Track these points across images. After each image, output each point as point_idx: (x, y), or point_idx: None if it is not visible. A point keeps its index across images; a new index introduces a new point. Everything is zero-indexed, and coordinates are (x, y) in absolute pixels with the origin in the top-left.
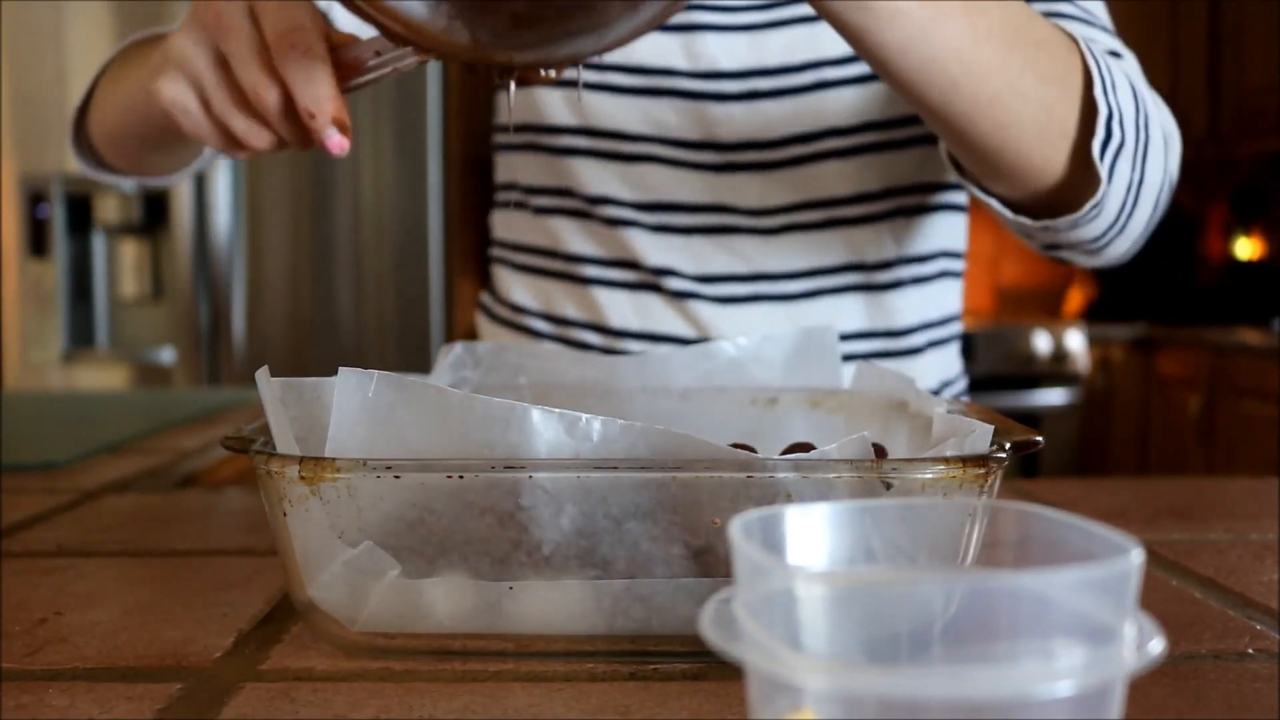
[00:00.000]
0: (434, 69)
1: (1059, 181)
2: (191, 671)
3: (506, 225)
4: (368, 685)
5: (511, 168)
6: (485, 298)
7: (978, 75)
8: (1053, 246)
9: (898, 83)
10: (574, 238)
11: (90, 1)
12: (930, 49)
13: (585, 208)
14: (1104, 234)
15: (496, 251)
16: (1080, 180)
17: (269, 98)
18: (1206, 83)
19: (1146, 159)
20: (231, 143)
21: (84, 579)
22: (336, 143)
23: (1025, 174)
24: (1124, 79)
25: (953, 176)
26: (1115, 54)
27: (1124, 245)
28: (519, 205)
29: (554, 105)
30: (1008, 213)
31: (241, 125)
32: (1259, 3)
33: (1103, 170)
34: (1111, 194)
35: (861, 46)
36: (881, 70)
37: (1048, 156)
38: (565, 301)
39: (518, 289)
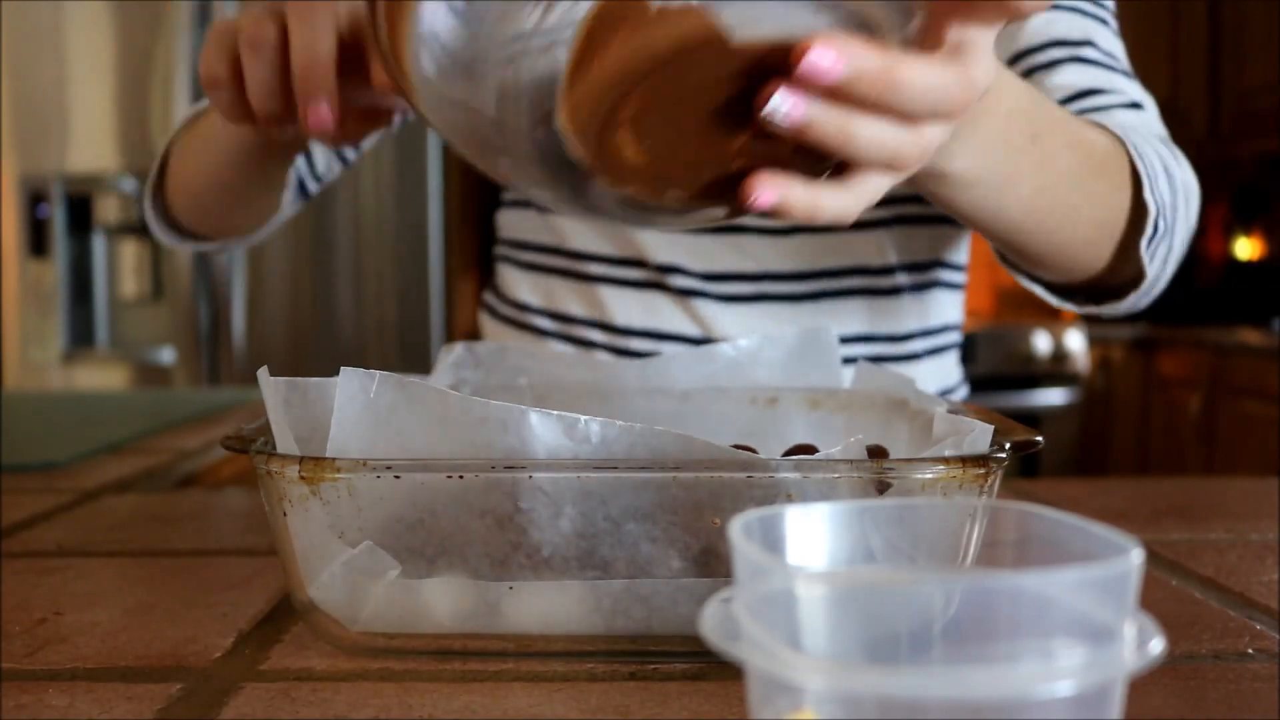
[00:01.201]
0: None
1: (1100, 271)
2: (191, 671)
3: (511, 224)
4: (368, 685)
5: None
6: (489, 296)
7: (1040, 219)
8: (1088, 314)
9: (965, 222)
10: (580, 235)
11: (90, 1)
12: (1000, 208)
13: None
14: (1135, 302)
15: (501, 250)
16: (1123, 263)
17: (268, 33)
18: (1206, 83)
19: (1179, 233)
20: (257, 110)
21: (84, 579)
22: (322, 115)
23: (1071, 272)
24: (1159, 163)
25: (998, 261)
26: (1137, 105)
27: (1149, 299)
28: (530, 204)
29: None
30: (1053, 299)
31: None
32: (1259, 3)
33: (1148, 265)
34: (1151, 274)
35: (933, 199)
36: (947, 211)
37: (1096, 256)
38: (570, 299)
39: (522, 287)
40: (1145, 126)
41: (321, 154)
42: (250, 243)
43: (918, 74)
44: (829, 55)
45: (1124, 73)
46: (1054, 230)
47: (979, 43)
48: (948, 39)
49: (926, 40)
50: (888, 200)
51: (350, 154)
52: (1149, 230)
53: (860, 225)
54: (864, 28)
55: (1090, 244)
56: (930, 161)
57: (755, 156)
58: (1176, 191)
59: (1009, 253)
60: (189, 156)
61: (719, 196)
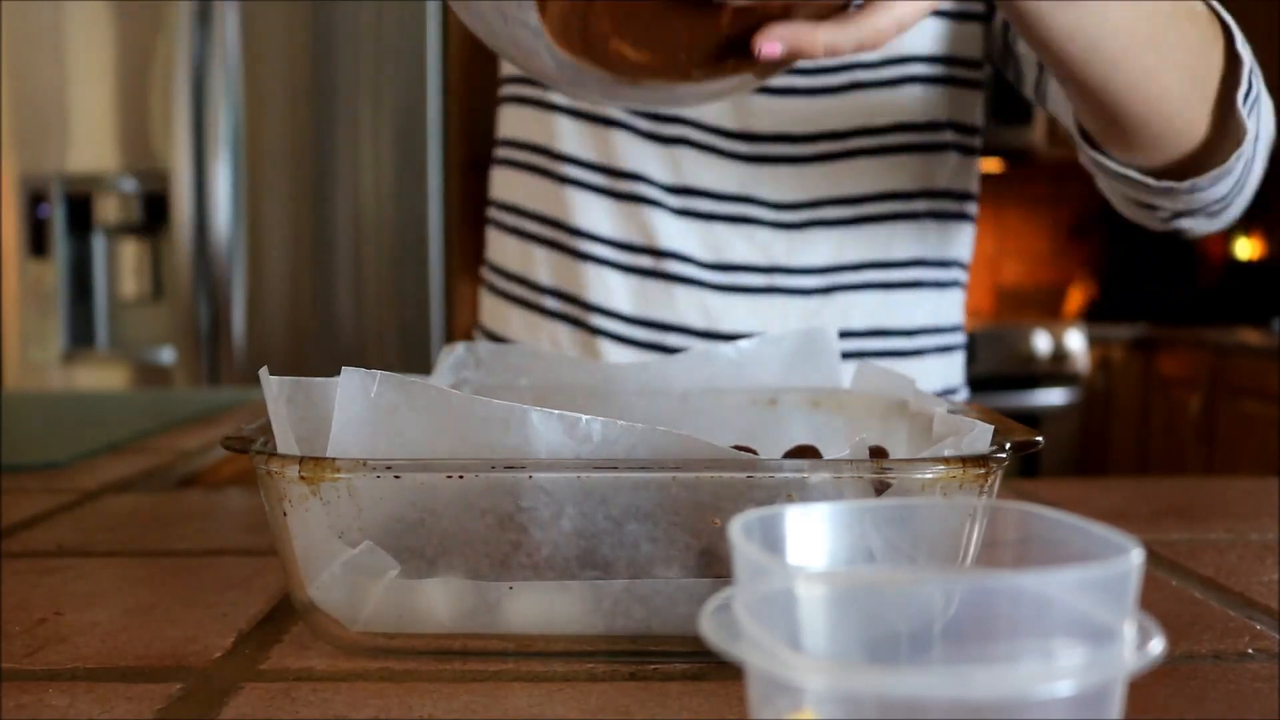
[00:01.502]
0: (433, 70)
1: (1197, 141)
2: (191, 671)
3: (515, 186)
4: (368, 685)
5: (543, 132)
6: (488, 273)
7: (1136, 53)
8: (1179, 214)
9: (1060, 65)
10: (593, 213)
11: (90, 1)
12: (1097, 31)
13: (612, 184)
14: (1230, 190)
15: (500, 215)
16: (1215, 136)
17: None
18: None
19: (1263, 112)
20: None
21: (84, 579)
22: None
23: (1167, 141)
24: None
25: (1083, 155)
26: None
27: (1241, 203)
28: (543, 172)
29: None
30: (1150, 180)
31: None
32: (1259, 3)
33: (1248, 122)
34: (1246, 142)
35: (1030, 33)
36: (1044, 54)
37: (1191, 120)
38: (575, 281)
39: (525, 261)
40: None
41: None
42: None
43: None
44: None
45: None
46: (1150, 73)
47: None
48: None
49: None
50: (911, 195)
51: None
52: (1244, 85)
53: (881, 218)
54: None
55: (1185, 99)
56: None
57: (752, 15)
58: (1258, 80)
59: (1104, 117)
60: None
61: (736, 62)
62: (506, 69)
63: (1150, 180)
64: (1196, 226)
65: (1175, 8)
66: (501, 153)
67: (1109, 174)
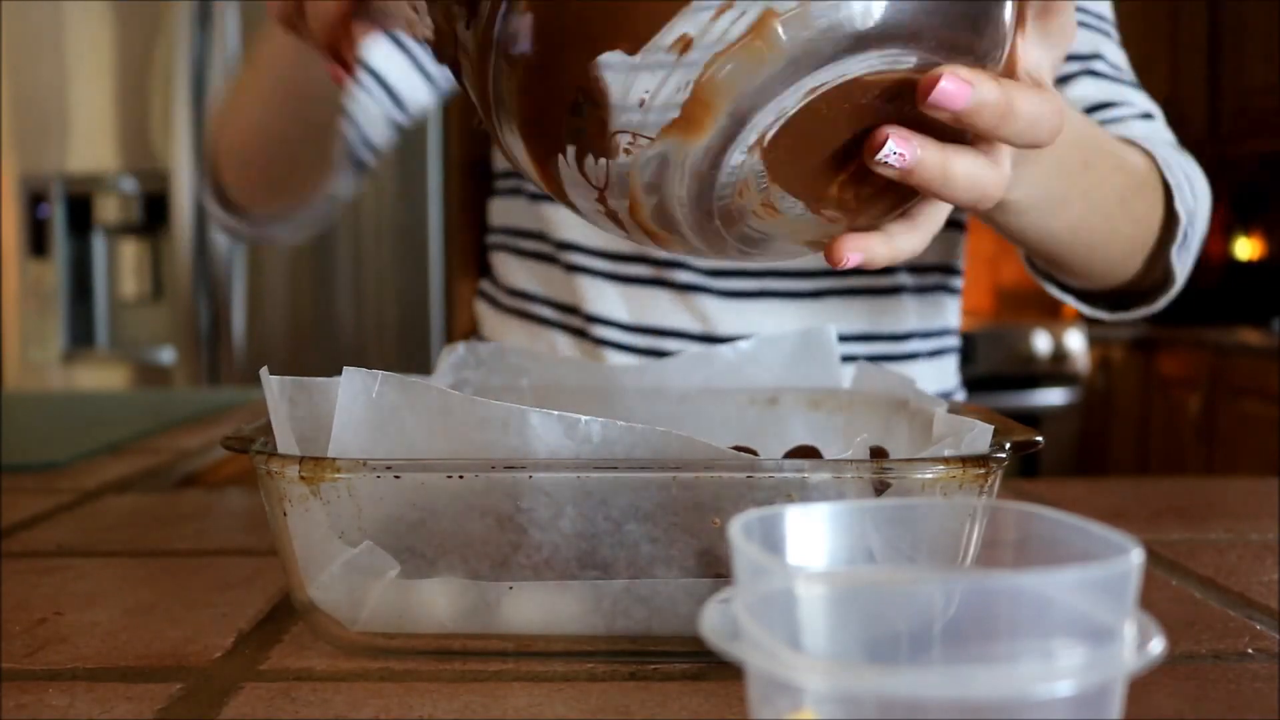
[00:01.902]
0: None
1: (1133, 277)
2: (191, 671)
3: (509, 213)
4: (368, 685)
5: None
6: (487, 286)
7: (1085, 238)
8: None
9: (1010, 240)
10: (583, 229)
11: (90, 1)
12: (1051, 231)
13: None
14: (1162, 304)
15: (497, 239)
16: (1152, 269)
17: None
18: (1206, 83)
19: (1198, 235)
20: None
21: (84, 579)
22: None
23: (1104, 281)
24: (1182, 173)
25: (1031, 274)
26: (1149, 115)
27: (1167, 301)
28: (533, 196)
29: None
30: (1085, 309)
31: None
32: (1259, 3)
33: (1177, 269)
34: (1177, 278)
35: (985, 221)
36: (1002, 233)
37: (1130, 266)
38: (571, 291)
39: (522, 276)
40: (1157, 135)
41: (377, 122)
42: (308, 221)
43: (1028, 103)
44: (958, 84)
45: (1131, 84)
46: (1096, 247)
47: (1046, 69)
48: (1021, 69)
49: (1005, 69)
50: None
51: (422, 93)
52: (1179, 237)
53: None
54: (967, 56)
55: (1127, 257)
56: None
57: (847, 198)
58: (1198, 198)
59: (1047, 266)
60: (237, 113)
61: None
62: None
63: (1085, 309)
64: (1128, 319)
65: (1125, 188)
66: (499, 184)
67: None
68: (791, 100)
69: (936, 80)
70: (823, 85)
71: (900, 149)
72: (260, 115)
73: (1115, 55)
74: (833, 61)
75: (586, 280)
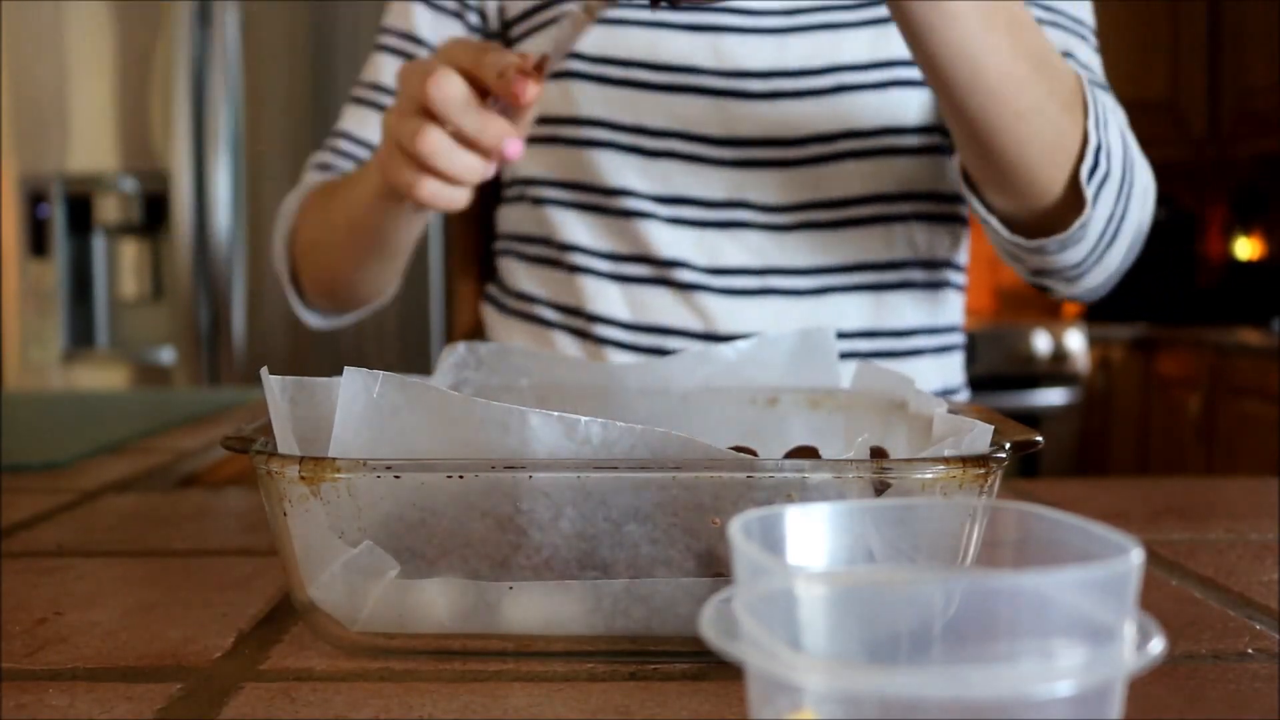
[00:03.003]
0: None
1: (1054, 203)
2: (191, 671)
3: (512, 219)
4: (368, 685)
5: (523, 162)
6: (492, 289)
7: (1013, 89)
8: (1039, 272)
9: (945, 87)
10: (585, 231)
11: (90, 1)
12: (980, 55)
13: (600, 201)
14: (1084, 260)
15: (502, 244)
16: (1070, 205)
17: (491, 131)
18: (1206, 83)
19: (1130, 198)
20: (441, 190)
21: (84, 579)
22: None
23: (1030, 190)
24: (1115, 123)
25: (961, 189)
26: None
27: (1100, 277)
28: (536, 201)
29: (581, 98)
30: (1005, 231)
31: (461, 163)
32: (1259, 3)
33: (1089, 194)
34: (1095, 219)
35: (923, 47)
36: (932, 74)
37: (1053, 176)
38: (574, 293)
39: (526, 279)
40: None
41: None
42: (371, 309)
43: None
44: None
45: (1101, 85)
46: (1020, 118)
47: None
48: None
49: None
50: (899, 197)
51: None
52: (1089, 159)
53: (870, 220)
54: None
55: (1047, 158)
56: None
57: None
58: (1129, 158)
59: (978, 154)
60: (323, 251)
61: None
62: None
63: (1004, 231)
64: (1057, 288)
65: (1045, 59)
66: (506, 192)
67: (980, 220)
68: None
69: None
70: None
71: None
72: (344, 258)
73: (1088, 57)
74: None
75: (588, 280)
